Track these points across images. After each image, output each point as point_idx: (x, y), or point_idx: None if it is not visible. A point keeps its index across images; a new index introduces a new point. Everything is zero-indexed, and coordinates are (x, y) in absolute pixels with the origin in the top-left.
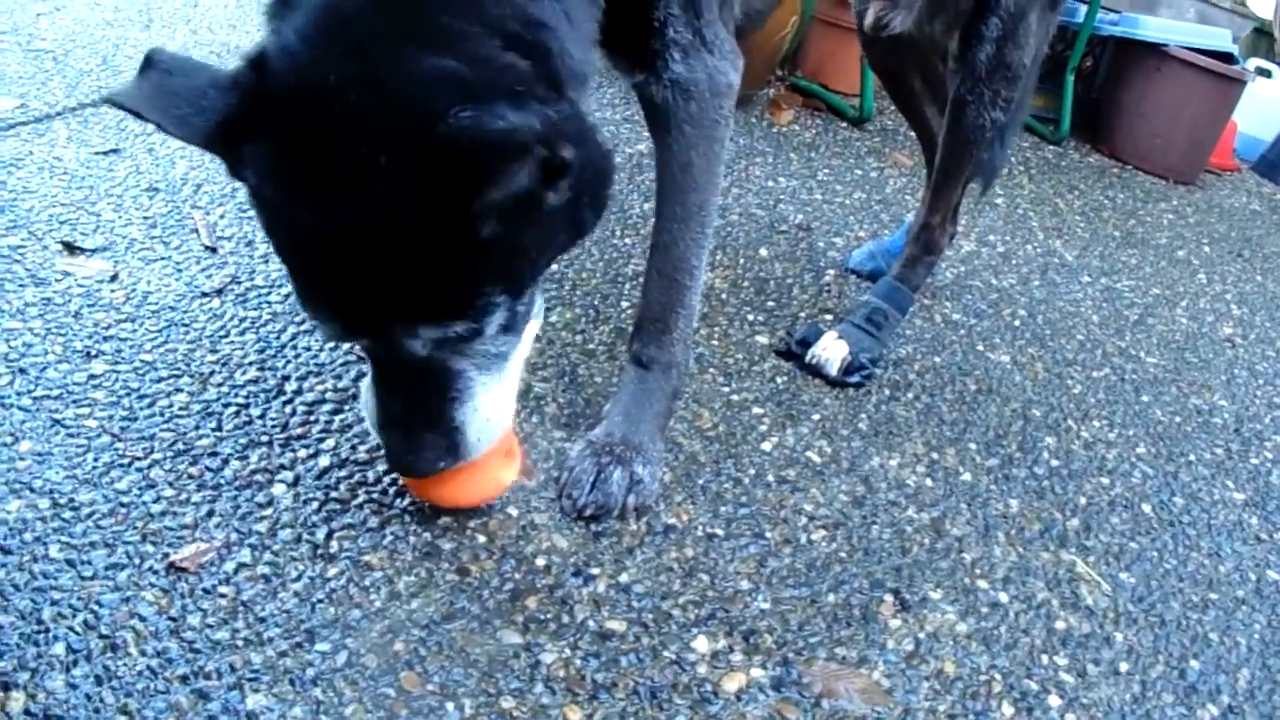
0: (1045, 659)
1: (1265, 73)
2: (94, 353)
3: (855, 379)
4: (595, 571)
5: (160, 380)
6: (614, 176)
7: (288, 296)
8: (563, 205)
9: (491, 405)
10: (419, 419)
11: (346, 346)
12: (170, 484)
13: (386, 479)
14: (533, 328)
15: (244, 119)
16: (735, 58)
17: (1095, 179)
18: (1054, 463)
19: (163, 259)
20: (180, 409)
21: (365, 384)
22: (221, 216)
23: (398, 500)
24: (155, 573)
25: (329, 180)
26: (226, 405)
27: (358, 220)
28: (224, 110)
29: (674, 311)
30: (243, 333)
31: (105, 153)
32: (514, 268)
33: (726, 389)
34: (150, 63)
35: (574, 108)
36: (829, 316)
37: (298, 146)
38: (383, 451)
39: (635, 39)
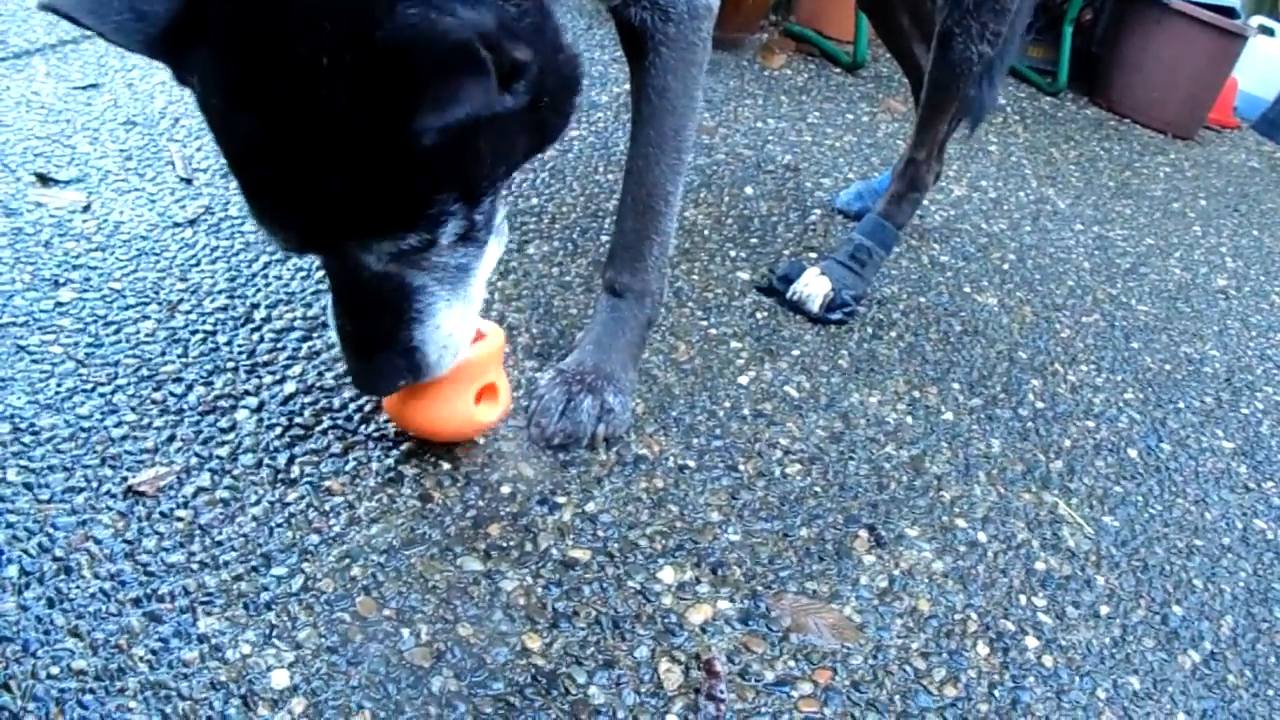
0: (1023, 600)
1: (1268, 30)
2: (62, 280)
3: (837, 316)
4: (561, 500)
5: (128, 308)
6: (581, 81)
7: None
8: (521, 109)
9: (453, 322)
10: (378, 337)
11: (320, 274)
12: (133, 409)
13: (352, 405)
14: (496, 244)
15: (189, 22)
16: None
17: (1092, 130)
18: (1039, 405)
19: (137, 190)
20: (147, 336)
21: (329, 303)
22: (199, 149)
23: (362, 426)
24: (113, 496)
25: (271, 84)
26: (194, 332)
27: (301, 127)
28: (167, 13)
29: (648, 239)
30: (214, 261)
31: (84, 87)
32: (468, 173)
33: (705, 323)
34: None
35: (539, 6)
36: (813, 254)
37: (240, 49)
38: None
39: None
